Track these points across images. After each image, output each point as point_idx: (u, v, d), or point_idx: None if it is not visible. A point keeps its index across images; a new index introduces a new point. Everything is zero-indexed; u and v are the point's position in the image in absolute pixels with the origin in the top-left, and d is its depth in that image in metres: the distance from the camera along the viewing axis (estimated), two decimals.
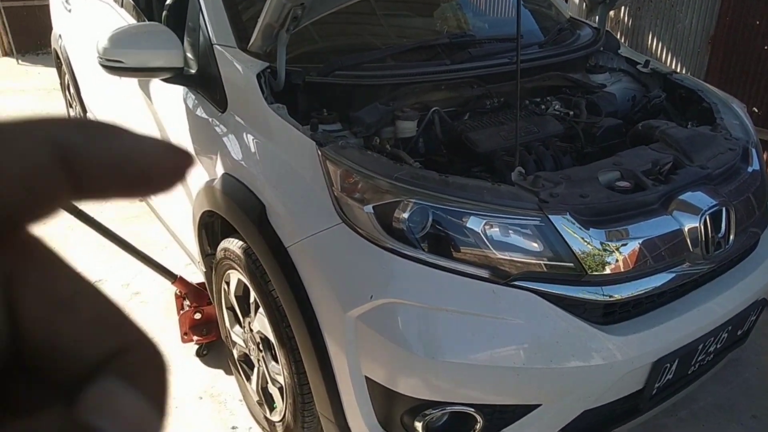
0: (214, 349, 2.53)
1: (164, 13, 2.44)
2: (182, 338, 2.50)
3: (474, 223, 1.49)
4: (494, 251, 1.48)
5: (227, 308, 2.20)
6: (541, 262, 1.50)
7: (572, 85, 2.37)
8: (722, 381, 2.42)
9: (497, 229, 1.50)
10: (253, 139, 1.83)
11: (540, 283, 1.50)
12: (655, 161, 1.79)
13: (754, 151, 2.00)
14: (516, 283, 1.49)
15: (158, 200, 2.88)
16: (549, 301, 1.50)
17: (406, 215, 1.49)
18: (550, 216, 1.50)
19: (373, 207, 1.52)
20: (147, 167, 0.23)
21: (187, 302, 2.53)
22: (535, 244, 1.50)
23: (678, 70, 3.81)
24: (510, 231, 1.50)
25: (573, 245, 1.50)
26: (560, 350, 1.48)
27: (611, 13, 4.01)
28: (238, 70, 1.94)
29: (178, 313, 2.53)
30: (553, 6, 2.85)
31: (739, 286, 1.81)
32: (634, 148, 1.86)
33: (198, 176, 2.08)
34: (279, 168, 1.72)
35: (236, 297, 2.07)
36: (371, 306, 1.47)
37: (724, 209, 1.70)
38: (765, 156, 3.53)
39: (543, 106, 2.18)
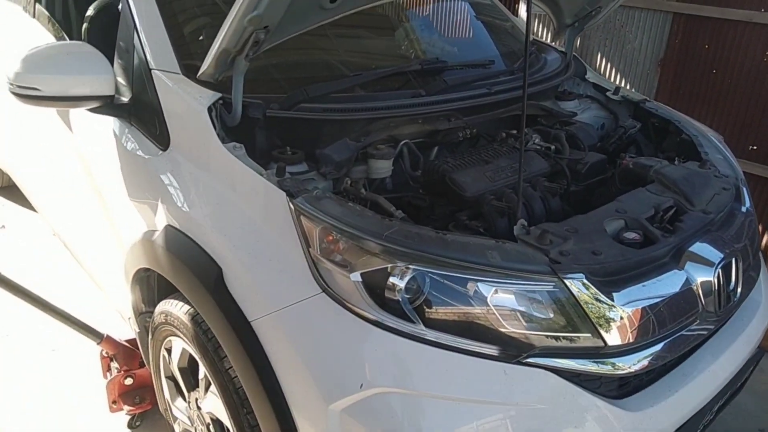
0: (148, 419, 2.18)
1: (84, 25, 2.09)
2: (110, 407, 2.13)
3: (480, 291, 1.27)
4: (504, 323, 1.27)
5: (167, 377, 1.87)
6: (557, 333, 1.29)
7: (546, 115, 2.20)
8: None
9: (506, 297, 1.28)
10: (204, 186, 1.53)
11: (556, 358, 1.30)
12: (656, 206, 1.63)
13: (744, 189, 1.90)
14: (530, 360, 1.28)
15: (75, 241, 2.48)
16: (565, 378, 1.30)
17: (402, 284, 1.25)
18: (565, 279, 1.30)
19: (361, 274, 1.26)
20: None
21: (115, 364, 2.17)
22: (550, 313, 1.30)
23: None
24: (520, 298, 1.29)
25: (591, 312, 1.30)
26: None
27: None
28: (185, 101, 1.63)
29: (105, 376, 2.16)
30: (514, 26, 2.70)
31: (742, 339, 1.68)
32: (633, 191, 1.70)
33: (132, 225, 1.75)
34: (239, 222, 1.44)
35: (180, 368, 1.75)
36: (361, 396, 1.22)
37: (734, 259, 1.56)
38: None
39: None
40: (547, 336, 1.29)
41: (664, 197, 1.67)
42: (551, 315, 1.29)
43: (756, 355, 1.76)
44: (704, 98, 3.41)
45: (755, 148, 3.27)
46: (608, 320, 1.32)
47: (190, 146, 1.60)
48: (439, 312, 1.26)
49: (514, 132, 2.06)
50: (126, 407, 2.13)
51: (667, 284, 1.44)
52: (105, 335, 2.14)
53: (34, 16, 2.49)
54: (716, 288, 1.49)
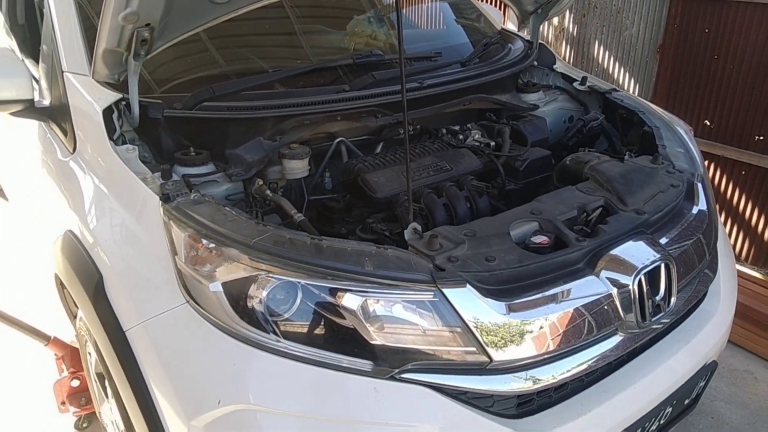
0: (96, 420, 2.17)
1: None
2: (59, 408, 2.14)
3: (350, 302, 1.18)
4: (376, 337, 1.18)
5: (94, 381, 1.85)
6: (437, 348, 1.20)
7: (499, 109, 2.08)
8: None
9: (381, 308, 1.19)
10: (94, 189, 1.49)
11: (436, 374, 1.20)
12: (581, 206, 1.50)
13: (700, 186, 1.73)
14: (405, 376, 1.18)
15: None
16: (448, 396, 1.20)
17: (263, 294, 1.18)
18: (444, 290, 1.20)
19: (222, 284, 1.20)
20: None
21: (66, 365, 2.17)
22: (429, 325, 1.20)
23: (627, 79, 3.57)
24: (397, 310, 1.19)
25: (474, 326, 1.20)
26: None
27: (555, 20, 3.76)
28: (87, 102, 1.60)
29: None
30: (482, 17, 2.56)
31: (684, 352, 1.53)
32: (559, 190, 1.57)
33: (49, 228, 1.74)
34: (119, 228, 1.39)
35: (97, 374, 1.73)
36: (220, 413, 1.16)
37: (662, 265, 1.41)
38: (717, 172, 3.33)
39: (461, 136, 1.88)
40: (425, 350, 1.19)
41: (593, 196, 1.54)
42: (431, 327, 1.20)
43: (705, 370, 1.60)
44: (706, 85, 3.19)
45: (761, 138, 3.04)
46: (494, 333, 1.21)
47: (89, 149, 1.56)
48: (306, 324, 1.19)
49: (457, 128, 1.95)
50: (72, 408, 2.13)
51: (574, 293, 1.31)
52: (52, 337, 2.14)
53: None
54: (637, 296, 1.35)
